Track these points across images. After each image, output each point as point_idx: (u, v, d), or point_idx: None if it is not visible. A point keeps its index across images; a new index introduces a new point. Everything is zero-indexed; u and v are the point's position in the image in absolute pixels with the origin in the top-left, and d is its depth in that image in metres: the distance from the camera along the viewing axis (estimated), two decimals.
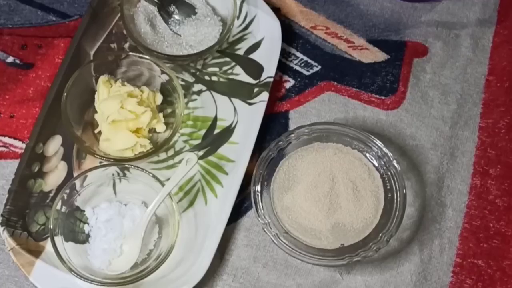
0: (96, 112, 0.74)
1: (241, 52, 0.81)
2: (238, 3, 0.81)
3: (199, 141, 0.76)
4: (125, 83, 0.75)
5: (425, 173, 0.77)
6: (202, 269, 0.68)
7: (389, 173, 0.71)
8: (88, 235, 0.70)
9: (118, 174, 0.71)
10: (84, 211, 0.71)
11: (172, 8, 0.80)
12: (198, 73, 0.79)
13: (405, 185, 0.71)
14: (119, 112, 0.71)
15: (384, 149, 0.72)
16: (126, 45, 0.80)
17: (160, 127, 0.75)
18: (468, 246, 0.74)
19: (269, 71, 0.79)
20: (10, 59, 0.79)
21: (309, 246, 0.69)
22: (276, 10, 0.84)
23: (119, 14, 0.79)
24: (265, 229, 0.69)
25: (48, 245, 0.69)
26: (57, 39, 0.81)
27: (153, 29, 0.79)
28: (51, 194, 0.72)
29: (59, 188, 0.72)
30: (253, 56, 0.80)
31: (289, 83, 0.81)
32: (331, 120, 0.79)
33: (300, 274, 0.72)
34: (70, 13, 0.83)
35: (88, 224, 0.70)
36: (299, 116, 0.79)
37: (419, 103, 0.80)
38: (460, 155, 0.78)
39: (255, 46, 0.81)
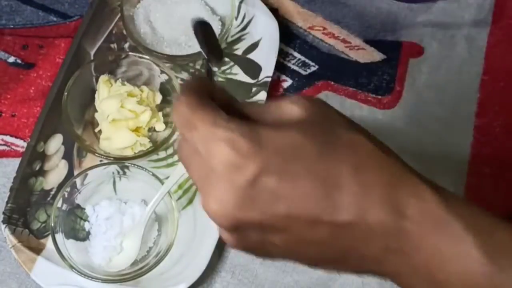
0: (96, 111, 0.74)
1: (239, 52, 0.81)
2: (237, 4, 0.81)
3: None
4: (125, 82, 0.75)
5: (421, 171, 0.77)
6: (201, 266, 0.69)
7: None
8: (88, 233, 0.71)
9: (118, 172, 0.72)
10: (84, 209, 0.72)
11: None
12: (197, 73, 0.80)
13: None
14: (119, 111, 0.72)
15: None
16: (126, 45, 0.81)
17: (160, 126, 0.75)
18: None
19: (267, 71, 0.79)
20: (11, 59, 0.80)
21: None
22: (274, 11, 0.84)
23: (119, 15, 0.79)
24: None
25: (49, 242, 0.69)
26: (58, 39, 0.81)
27: (152, 29, 0.80)
28: (52, 192, 0.73)
29: (60, 186, 0.72)
30: (251, 56, 0.81)
31: (287, 82, 0.82)
32: None
33: (297, 271, 0.72)
34: (71, 14, 0.83)
35: (88, 221, 0.71)
36: None
37: (415, 102, 0.81)
38: (455, 154, 0.79)
39: (253, 46, 0.81)
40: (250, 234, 0.41)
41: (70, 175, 0.73)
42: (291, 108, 0.42)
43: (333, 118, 0.42)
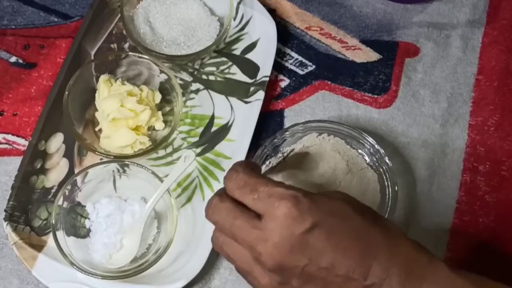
0: (96, 110, 0.75)
1: (237, 52, 0.82)
2: (235, 4, 0.82)
3: (196, 139, 0.77)
4: (125, 82, 0.76)
5: (416, 169, 0.78)
6: (200, 262, 0.69)
7: (381, 170, 0.73)
8: (89, 230, 0.72)
9: (118, 170, 0.73)
10: (85, 206, 0.72)
11: None
12: (196, 72, 0.81)
13: (396, 181, 0.72)
14: (119, 111, 0.72)
15: (376, 146, 0.73)
16: (126, 45, 0.81)
17: (159, 125, 0.76)
18: (459, 241, 0.75)
19: (265, 70, 0.80)
20: (13, 59, 0.81)
21: None
22: (272, 11, 0.85)
23: (119, 15, 0.80)
24: None
25: (50, 239, 0.70)
26: (59, 39, 0.82)
27: (152, 30, 0.81)
28: (53, 190, 0.73)
29: (61, 184, 0.73)
30: (249, 56, 0.82)
31: (284, 82, 0.82)
32: (325, 118, 0.80)
33: None
34: (72, 14, 0.84)
35: (89, 219, 0.72)
36: (294, 114, 0.80)
37: (410, 101, 0.82)
38: (450, 152, 0.79)
39: (251, 46, 0.82)
40: (288, 277, 0.51)
41: (70, 173, 0.74)
42: (339, 193, 0.55)
43: (366, 209, 0.55)
